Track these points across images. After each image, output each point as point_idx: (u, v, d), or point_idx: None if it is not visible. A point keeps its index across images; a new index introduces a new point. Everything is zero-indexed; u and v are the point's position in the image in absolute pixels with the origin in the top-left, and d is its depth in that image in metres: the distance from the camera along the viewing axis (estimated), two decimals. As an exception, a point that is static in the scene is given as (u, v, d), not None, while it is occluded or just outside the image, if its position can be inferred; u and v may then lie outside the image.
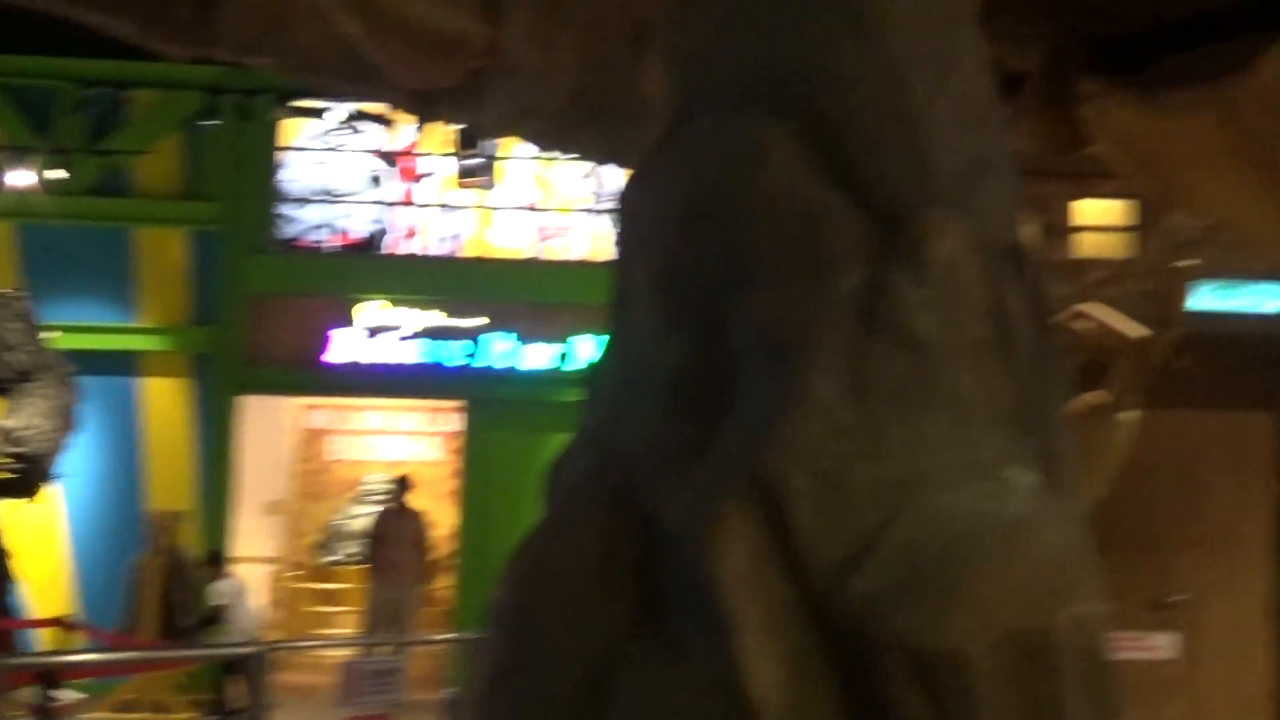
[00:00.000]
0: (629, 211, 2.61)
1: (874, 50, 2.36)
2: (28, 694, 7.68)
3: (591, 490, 2.38)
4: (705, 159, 2.41)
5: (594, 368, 2.62)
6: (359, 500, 15.77)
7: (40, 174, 13.45)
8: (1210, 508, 15.25)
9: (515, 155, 14.61)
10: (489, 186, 14.75)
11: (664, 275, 2.41)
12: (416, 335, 14.20)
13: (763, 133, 2.34)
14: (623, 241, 2.63)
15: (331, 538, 15.76)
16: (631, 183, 2.63)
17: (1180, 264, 5.86)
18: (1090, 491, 3.50)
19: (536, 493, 2.54)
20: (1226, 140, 3.76)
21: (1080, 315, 4.27)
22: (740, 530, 2.12)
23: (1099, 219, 14.85)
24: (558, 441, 2.69)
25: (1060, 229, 14.30)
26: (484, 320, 14.23)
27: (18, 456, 9.71)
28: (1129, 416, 4.37)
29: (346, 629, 14.79)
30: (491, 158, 14.59)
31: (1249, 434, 15.49)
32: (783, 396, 2.17)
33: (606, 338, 2.61)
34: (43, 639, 11.05)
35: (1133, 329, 4.76)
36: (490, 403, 14.17)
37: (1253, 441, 15.52)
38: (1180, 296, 5.29)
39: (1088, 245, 14.66)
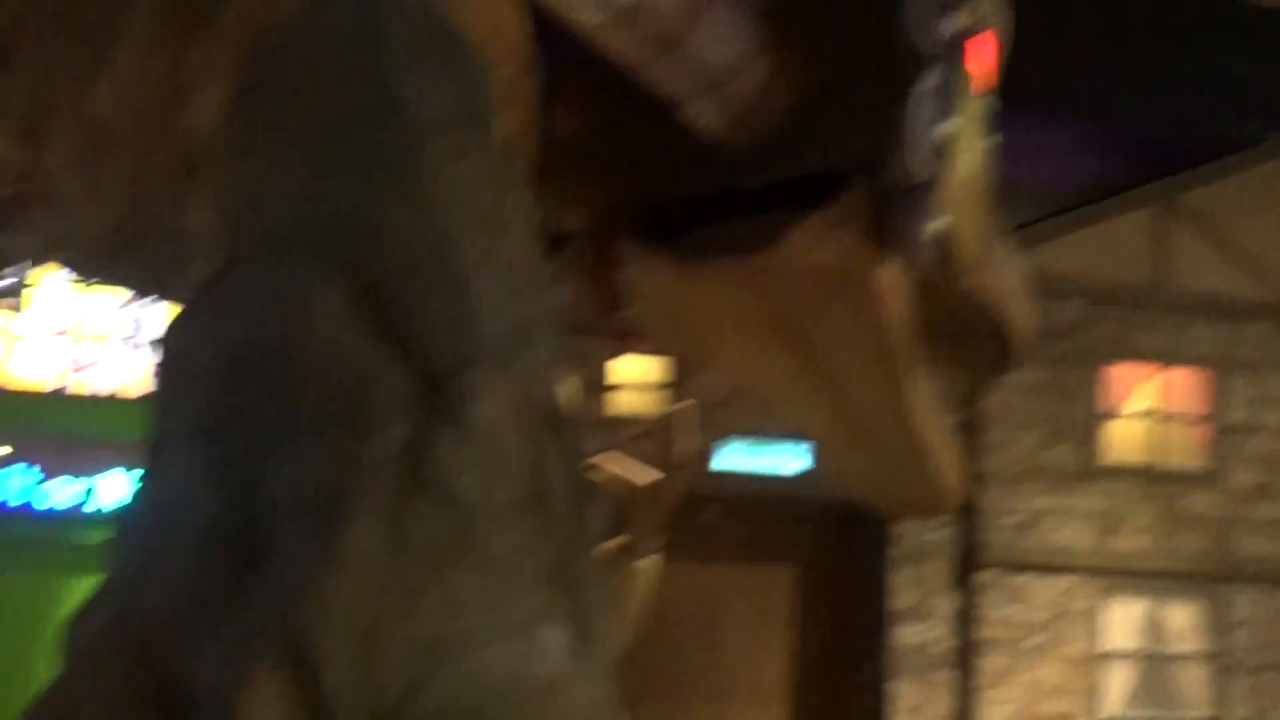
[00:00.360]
0: (171, 353, 2.54)
1: (425, 211, 2.40)
2: None
3: (114, 645, 2.27)
4: (251, 307, 2.38)
5: (124, 511, 2.52)
6: None
7: None
8: (731, 658, 15.86)
9: (48, 280, 13.97)
10: (17, 309, 14.03)
11: (203, 423, 2.35)
12: (-75, 466, 13.27)
13: (311, 285, 2.34)
14: (163, 383, 2.55)
15: None
16: (175, 323, 2.56)
17: (678, 407, 6.15)
18: (616, 641, 3.57)
19: (54, 644, 2.40)
20: (754, 308, 3.97)
21: (595, 466, 4.40)
22: (271, 691, 2.06)
23: (636, 376, 15.39)
24: (80, 588, 2.55)
25: (599, 385, 14.74)
26: (3, 452, 13.44)
27: None
28: (648, 563, 4.51)
29: None
30: (21, 282, 13.90)
31: (769, 587, 16.26)
32: (318, 553, 2.14)
33: (138, 479, 2.51)
34: None
35: (643, 476, 4.95)
36: (5, 541, 13.33)
37: (773, 595, 16.29)
38: (683, 439, 5.53)
39: (625, 401, 15.15)
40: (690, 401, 5.73)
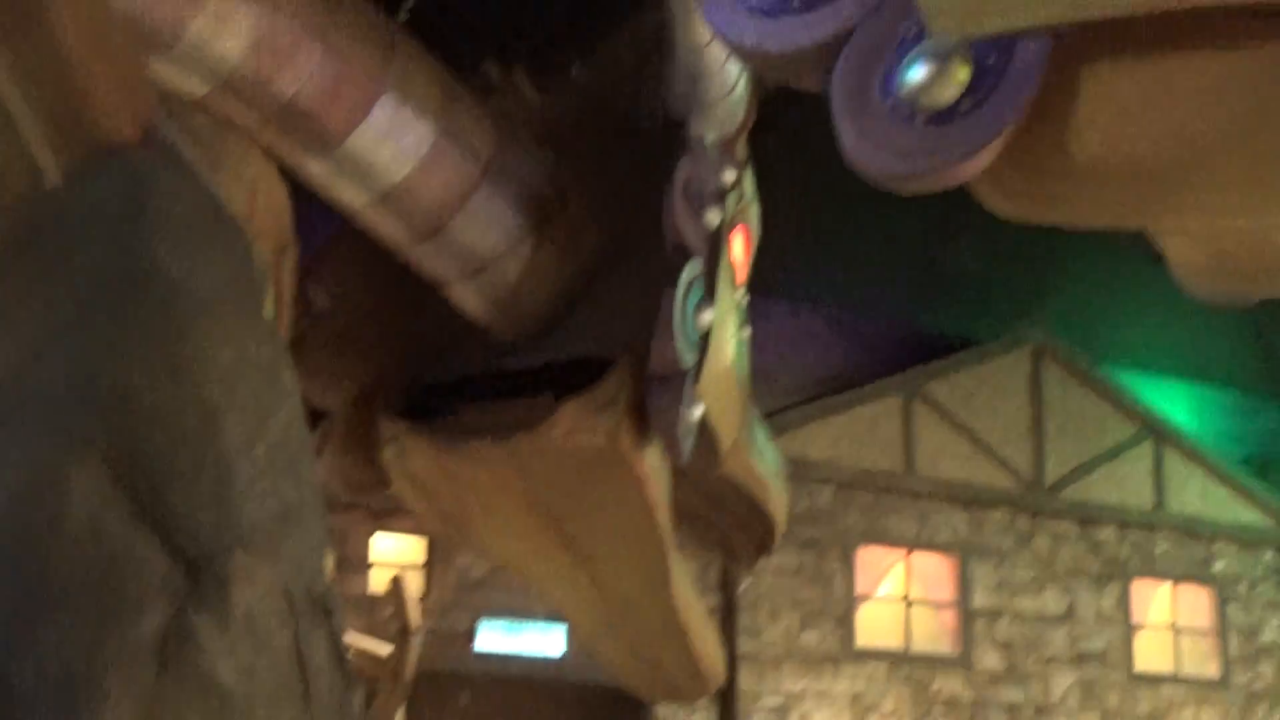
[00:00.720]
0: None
1: (190, 389, 2.36)
2: None
3: None
4: (3, 481, 2.29)
5: None
6: None
7: None
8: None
9: None
10: None
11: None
12: None
13: (68, 461, 2.27)
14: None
15: None
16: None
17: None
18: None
19: None
20: (515, 489, 3.99)
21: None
22: None
23: (395, 554, 15.16)
24: None
25: (358, 562, 14.49)
26: None
27: None
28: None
29: None
30: None
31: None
32: (68, 742, 2.06)
33: None
34: None
35: (382, 648, 4.91)
36: None
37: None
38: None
39: (383, 580, 14.90)
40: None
